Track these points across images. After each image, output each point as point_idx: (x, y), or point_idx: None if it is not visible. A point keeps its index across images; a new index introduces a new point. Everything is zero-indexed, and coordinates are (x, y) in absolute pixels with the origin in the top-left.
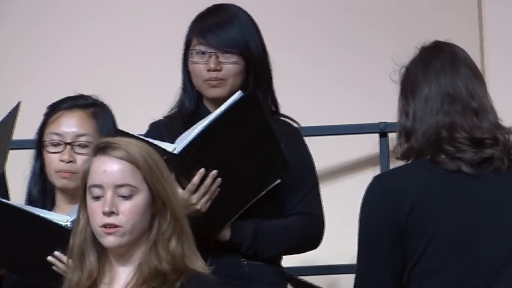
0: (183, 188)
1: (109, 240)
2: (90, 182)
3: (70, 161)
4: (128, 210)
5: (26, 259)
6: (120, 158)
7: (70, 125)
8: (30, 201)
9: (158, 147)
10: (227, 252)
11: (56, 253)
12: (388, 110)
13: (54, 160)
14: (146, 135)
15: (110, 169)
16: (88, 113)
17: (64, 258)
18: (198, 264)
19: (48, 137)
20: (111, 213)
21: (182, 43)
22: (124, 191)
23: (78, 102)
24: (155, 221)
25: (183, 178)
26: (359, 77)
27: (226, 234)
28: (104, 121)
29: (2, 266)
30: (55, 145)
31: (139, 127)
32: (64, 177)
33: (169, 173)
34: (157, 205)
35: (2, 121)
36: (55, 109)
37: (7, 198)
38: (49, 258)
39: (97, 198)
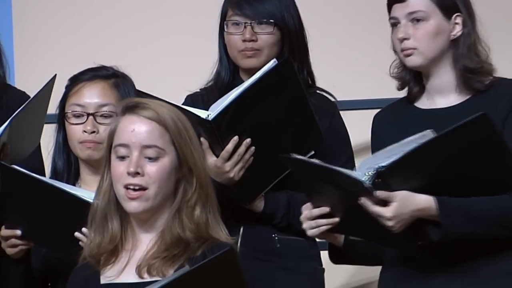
0: (217, 156)
1: (132, 206)
2: (116, 141)
3: (93, 132)
4: (154, 172)
5: (54, 234)
6: (149, 118)
7: (92, 95)
8: (55, 174)
9: (192, 113)
10: (259, 226)
11: (83, 229)
12: None
13: (77, 131)
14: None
15: (138, 128)
16: (109, 83)
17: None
18: (222, 234)
19: (71, 109)
20: (136, 174)
21: (218, 15)
22: (151, 152)
23: (100, 73)
24: (180, 187)
25: (217, 145)
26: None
27: (259, 205)
28: (125, 91)
29: (30, 240)
30: (78, 116)
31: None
32: (89, 148)
33: (197, 139)
34: (183, 170)
35: (37, 94)
36: (76, 81)
37: (42, 171)
38: (77, 234)
39: (122, 158)
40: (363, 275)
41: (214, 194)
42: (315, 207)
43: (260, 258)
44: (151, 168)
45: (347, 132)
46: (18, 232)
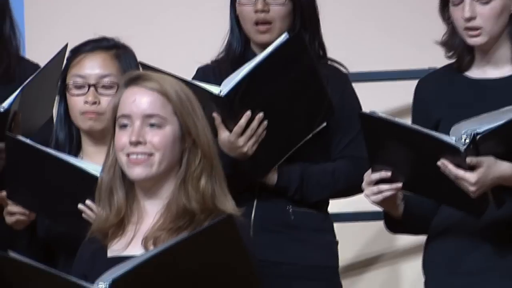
0: (230, 131)
1: (136, 172)
2: (119, 112)
3: (94, 102)
4: (157, 140)
5: (57, 206)
6: (151, 89)
7: (94, 66)
8: (57, 146)
9: (204, 89)
10: (273, 199)
11: (87, 201)
12: (437, 56)
13: (78, 102)
14: (193, 79)
15: (139, 99)
16: (111, 54)
17: (95, 207)
18: (229, 206)
19: (72, 80)
20: (138, 143)
21: None
22: (152, 121)
23: (101, 44)
24: (184, 157)
25: (230, 120)
26: (407, 22)
27: (272, 177)
28: (127, 62)
29: (34, 211)
30: (79, 87)
31: (187, 73)
32: (90, 118)
33: (202, 111)
34: (187, 141)
35: (48, 63)
36: (77, 52)
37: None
38: (80, 206)
39: (124, 128)
40: (375, 247)
41: (221, 166)
42: (375, 172)
43: (274, 230)
44: (154, 137)
45: (359, 103)
46: (24, 210)
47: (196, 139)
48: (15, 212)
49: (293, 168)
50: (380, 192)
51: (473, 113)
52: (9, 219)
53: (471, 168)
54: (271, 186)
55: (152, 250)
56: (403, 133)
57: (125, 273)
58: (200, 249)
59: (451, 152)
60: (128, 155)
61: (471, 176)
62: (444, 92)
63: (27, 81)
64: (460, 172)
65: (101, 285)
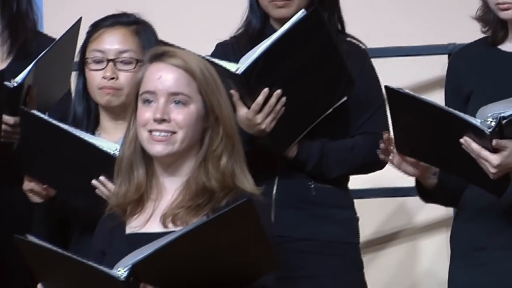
0: (248, 108)
1: (157, 148)
2: (143, 88)
3: (113, 78)
4: (181, 118)
5: (71, 181)
6: (177, 66)
7: (113, 42)
8: (75, 120)
9: (222, 66)
10: (295, 175)
11: (101, 178)
12: (456, 31)
13: (97, 77)
14: (212, 56)
15: (165, 75)
16: (130, 30)
17: (108, 183)
18: (248, 184)
19: (91, 55)
20: (162, 121)
21: None
22: (177, 99)
23: (121, 19)
24: (206, 136)
25: (248, 98)
26: None
27: (292, 151)
28: (147, 38)
29: (50, 186)
30: (98, 62)
31: (206, 49)
32: (108, 93)
33: (224, 90)
34: (210, 119)
35: (61, 37)
36: (97, 27)
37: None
38: (94, 181)
39: (148, 103)
40: (394, 223)
41: (241, 145)
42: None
43: (296, 206)
44: (178, 115)
45: (378, 79)
46: (39, 188)
47: (219, 118)
48: (32, 190)
49: (313, 143)
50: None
51: (505, 86)
52: (27, 188)
53: (495, 150)
54: (290, 159)
55: (171, 234)
56: (428, 110)
57: (144, 258)
58: (219, 232)
59: (476, 133)
60: (150, 131)
61: (493, 158)
62: (477, 64)
63: (40, 56)
64: (483, 153)
65: (120, 270)
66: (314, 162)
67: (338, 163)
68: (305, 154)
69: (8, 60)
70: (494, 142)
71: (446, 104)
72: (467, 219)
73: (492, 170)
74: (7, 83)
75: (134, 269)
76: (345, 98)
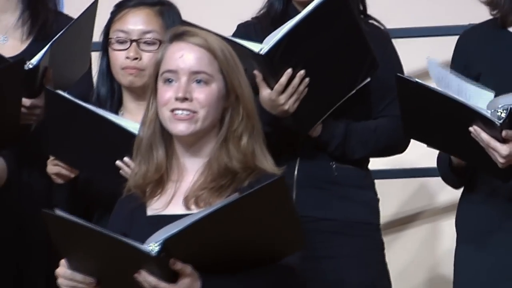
0: (271, 89)
1: (179, 127)
2: (164, 67)
3: (136, 58)
4: (203, 97)
5: (95, 161)
6: (198, 45)
7: (137, 22)
8: (99, 101)
9: (245, 47)
10: (316, 155)
11: (125, 158)
12: (478, 12)
13: (120, 57)
14: (234, 37)
15: (187, 55)
16: (154, 10)
17: (132, 164)
18: (268, 165)
19: (114, 35)
20: (184, 99)
21: None
22: (199, 78)
23: (145, 0)
24: (227, 116)
25: (271, 78)
26: None
27: (317, 130)
28: (170, 19)
29: (73, 166)
30: (121, 42)
31: (228, 30)
32: (131, 74)
33: (243, 69)
34: (231, 99)
35: (77, 18)
36: (121, 7)
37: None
38: (118, 162)
39: (169, 83)
40: (415, 204)
41: (260, 125)
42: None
43: (317, 186)
44: (200, 94)
45: (400, 61)
46: (67, 171)
47: (239, 97)
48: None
49: (337, 124)
50: None
51: None
52: (53, 172)
53: (504, 140)
54: (314, 138)
55: (203, 210)
56: (438, 99)
57: (176, 233)
58: (250, 209)
59: (485, 123)
60: (172, 110)
61: (502, 149)
62: (486, 46)
63: (56, 37)
64: (493, 143)
65: (152, 245)
66: (337, 143)
67: (361, 144)
68: (329, 134)
69: (28, 41)
70: (504, 133)
71: None
72: (477, 201)
73: (501, 160)
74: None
75: (166, 245)
76: (368, 80)
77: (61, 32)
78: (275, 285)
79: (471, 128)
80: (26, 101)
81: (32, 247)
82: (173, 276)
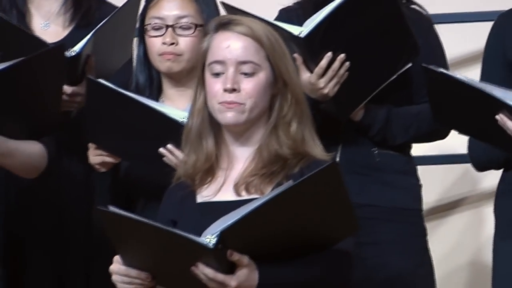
0: (311, 72)
1: (228, 117)
2: (211, 58)
3: (172, 43)
4: (251, 88)
5: (138, 149)
6: (244, 34)
7: (171, 7)
8: (138, 89)
9: (285, 30)
10: (358, 140)
11: (169, 146)
12: None
13: (156, 43)
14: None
15: (233, 44)
16: None
17: (176, 151)
18: (318, 150)
19: (150, 22)
20: (232, 90)
21: None
22: (247, 68)
23: None
24: (275, 103)
25: (311, 62)
26: None
27: (359, 113)
28: (205, 3)
29: (116, 154)
30: (157, 28)
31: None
32: (168, 59)
33: (290, 54)
34: (279, 86)
35: (122, 6)
36: None
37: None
38: (161, 149)
39: (217, 74)
40: (458, 190)
41: (309, 110)
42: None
43: (359, 172)
44: (248, 84)
45: (442, 47)
46: (112, 159)
47: (287, 83)
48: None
49: (380, 108)
50: None
51: None
52: (97, 161)
53: None
54: (355, 122)
55: (257, 200)
56: (465, 89)
57: (233, 224)
58: (304, 196)
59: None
60: (221, 103)
61: None
62: None
63: (99, 25)
64: None
65: (208, 238)
66: (379, 127)
67: (402, 129)
68: (371, 119)
69: (70, 28)
70: None
71: (484, 71)
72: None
73: None
74: (65, 52)
75: (222, 236)
76: (410, 65)
77: (105, 20)
78: (331, 271)
79: (497, 116)
80: (67, 89)
81: (70, 235)
82: (230, 268)
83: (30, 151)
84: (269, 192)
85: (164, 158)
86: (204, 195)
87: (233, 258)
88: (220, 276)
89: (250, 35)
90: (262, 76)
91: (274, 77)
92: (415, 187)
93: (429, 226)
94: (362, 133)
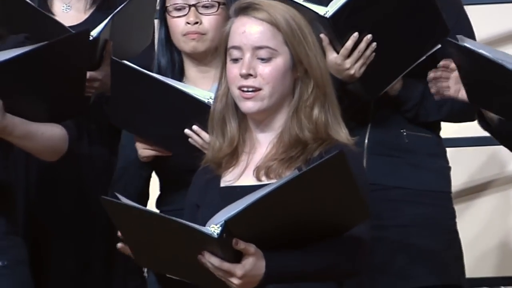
0: (338, 52)
1: (247, 105)
2: (230, 43)
3: (196, 22)
4: (267, 73)
5: (164, 131)
6: (261, 19)
7: None
8: (160, 71)
9: (310, 10)
10: (387, 121)
11: (194, 127)
12: None
13: (180, 24)
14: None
15: (249, 30)
16: None
17: (202, 132)
18: (342, 135)
19: (171, 2)
20: (248, 76)
21: None
22: (263, 53)
23: None
24: (297, 87)
25: (337, 42)
26: None
27: (396, 87)
28: None
29: (139, 135)
30: (179, 9)
31: None
32: (193, 39)
33: (314, 38)
34: (299, 70)
35: None
36: None
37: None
38: (187, 131)
39: (235, 60)
40: (486, 173)
41: (334, 93)
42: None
43: (388, 154)
44: (264, 69)
45: (472, 29)
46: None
47: (308, 69)
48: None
49: (417, 84)
50: None
51: None
52: (146, 155)
53: None
54: (392, 96)
55: (263, 189)
56: (489, 65)
57: (237, 213)
58: (311, 185)
59: None
60: (240, 88)
61: None
62: None
63: (117, 9)
64: None
65: (213, 227)
66: (414, 103)
67: (437, 107)
68: (408, 93)
69: (90, 11)
70: None
71: None
72: None
73: None
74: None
75: (227, 225)
76: (438, 46)
77: (122, 5)
78: (341, 259)
79: None
80: None
81: (95, 222)
82: (237, 256)
83: (51, 134)
84: (276, 181)
85: (190, 140)
86: (227, 179)
87: (239, 247)
88: (226, 265)
89: (267, 20)
90: (280, 61)
91: (293, 62)
92: (445, 170)
93: (458, 208)
94: (395, 107)
